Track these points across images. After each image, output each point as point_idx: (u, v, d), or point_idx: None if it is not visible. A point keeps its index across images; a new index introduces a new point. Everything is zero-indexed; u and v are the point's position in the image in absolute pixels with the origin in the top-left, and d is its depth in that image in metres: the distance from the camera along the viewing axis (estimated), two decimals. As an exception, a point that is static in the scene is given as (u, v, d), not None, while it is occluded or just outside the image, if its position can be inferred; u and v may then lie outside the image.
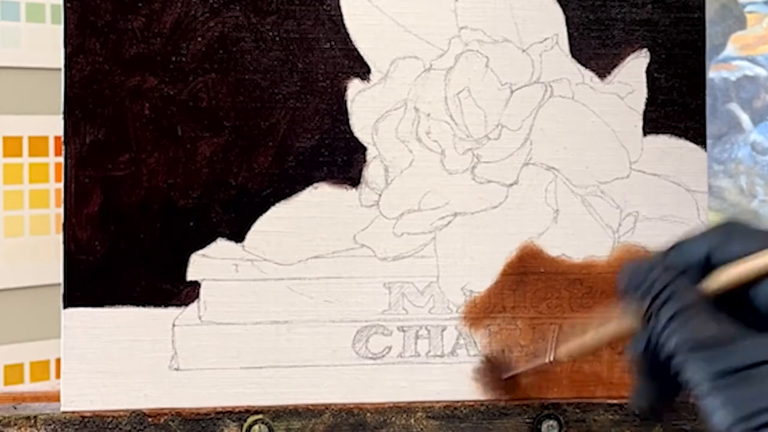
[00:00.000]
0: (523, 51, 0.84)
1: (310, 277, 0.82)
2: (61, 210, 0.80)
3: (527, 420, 0.83)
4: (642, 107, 0.86)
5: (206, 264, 0.81)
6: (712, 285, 0.51)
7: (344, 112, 0.83)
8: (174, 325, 0.81)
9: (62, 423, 0.79)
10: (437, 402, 0.83)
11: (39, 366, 2.19)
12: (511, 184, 0.84)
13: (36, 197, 2.16)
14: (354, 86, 0.83)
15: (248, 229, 0.82)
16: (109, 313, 0.80)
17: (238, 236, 0.82)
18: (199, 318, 0.81)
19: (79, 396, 0.80)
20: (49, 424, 0.79)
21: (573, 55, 0.85)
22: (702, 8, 0.86)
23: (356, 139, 0.83)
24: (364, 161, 0.83)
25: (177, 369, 0.81)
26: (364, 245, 0.83)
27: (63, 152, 0.80)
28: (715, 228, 0.52)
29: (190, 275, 0.81)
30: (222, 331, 0.81)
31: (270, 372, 0.82)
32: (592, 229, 0.85)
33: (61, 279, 0.80)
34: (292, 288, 0.82)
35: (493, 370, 0.82)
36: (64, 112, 0.80)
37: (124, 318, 0.80)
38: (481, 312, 0.84)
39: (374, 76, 0.83)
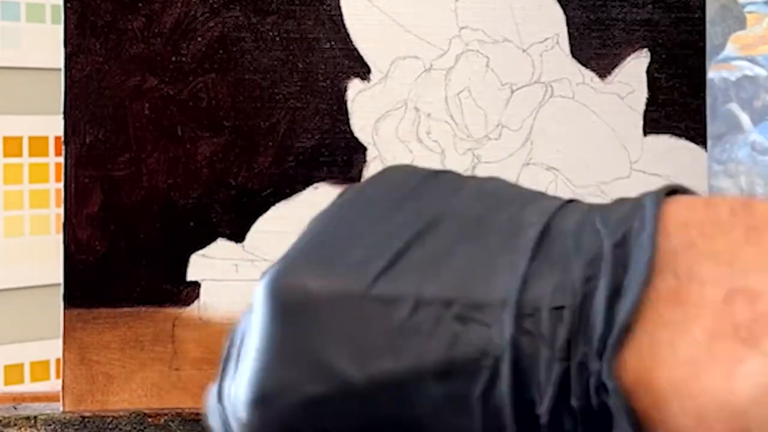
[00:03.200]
0: (524, 51, 0.84)
1: (310, 277, 0.82)
2: (61, 210, 0.80)
3: (527, 420, 0.83)
4: (642, 107, 0.86)
5: (206, 264, 0.81)
6: None
7: (344, 112, 0.83)
8: (174, 325, 0.81)
9: (62, 423, 0.79)
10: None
11: (39, 366, 2.19)
12: (512, 184, 0.84)
13: (36, 197, 2.16)
14: (354, 86, 0.83)
15: (248, 229, 0.82)
16: (109, 313, 0.80)
17: (238, 236, 0.82)
18: (199, 318, 0.81)
19: (79, 396, 0.80)
20: (49, 424, 0.79)
21: (573, 55, 0.85)
22: (702, 8, 0.86)
23: (356, 139, 0.83)
24: (364, 161, 0.83)
25: (177, 369, 0.81)
26: (364, 245, 0.83)
27: (63, 152, 0.80)
28: None
29: (190, 275, 0.81)
30: (222, 331, 0.81)
31: (270, 372, 0.82)
32: (592, 229, 0.85)
33: (61, 279, 0.80)
34: (292, 288, 0.82)
35: None
36: (64, 112, 0.80)
37: (124, 318, 0.80)
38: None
39: (374, 76, 0.83)
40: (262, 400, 0.39)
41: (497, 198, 0.38)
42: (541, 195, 0.38)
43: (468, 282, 0.36)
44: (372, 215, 0.39)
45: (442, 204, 0.38)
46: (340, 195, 0.40)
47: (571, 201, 0.37)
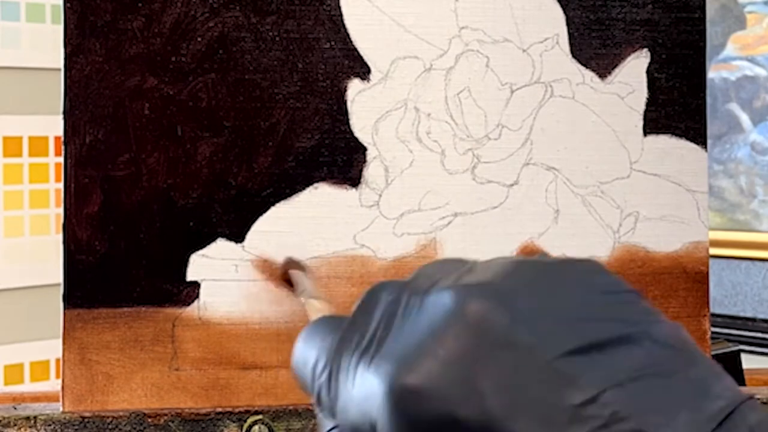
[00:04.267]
0: (524, 51, 0.84)
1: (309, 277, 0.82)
2: (61, 210, 0.80)
3: (527, 420, 0.83)
4: (642, 107, 0.86)
5: (206, 264, 0.81)
6: None
7: (344, 112, 0.83)
8: (174, 325, 0.81)
9: (62, 423, 0.79)
10: (437, 402, 0.83)
11: (39, 366, 2.20)
12: (512, 185, 0.84)
13: (36, 197, 2.16)
14: (354, 86, 0.83)
15: (248, 229, 0.82)
16: (109, 313, 0.80)
17: (238, 236, 0.82)
18: (199, 318, 0.81)
19: (79, 396, 0.80)
20: (49, 425, 0.79)
21: (573, 55, 0.85)
22: (702, 8, 0.86)
23: (356, 139, 0.83)
24: (364, 161, 0.83)
25: (177, 369, 0.81)
26: (364, 245, 0.83)
27: (63, 152, 0.80)
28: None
29: (190, 275, 0.81)
30: (222, 331, 0.81)
31: (270, 372, 0.82)
32: (592, 230, 0.85)
33: (61, 279, 0.80)
34: (292, 288, 0.82)
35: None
36: (64, 112, 0.80)
37: (124, 318, 0.80)
38: (481, 312, 0.84)
39: (374, 76, 0.83)
40: (414, 392, 0.39)
41: (689, 350, 0.39)
42: (724, 374, 0.39)
43: (647, 413, 0.36)
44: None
45: (641, 326, 0.39)
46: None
47: (751, 398, 0.38)
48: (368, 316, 0.43)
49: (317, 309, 0.74)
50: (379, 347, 0.41)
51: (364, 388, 0.41)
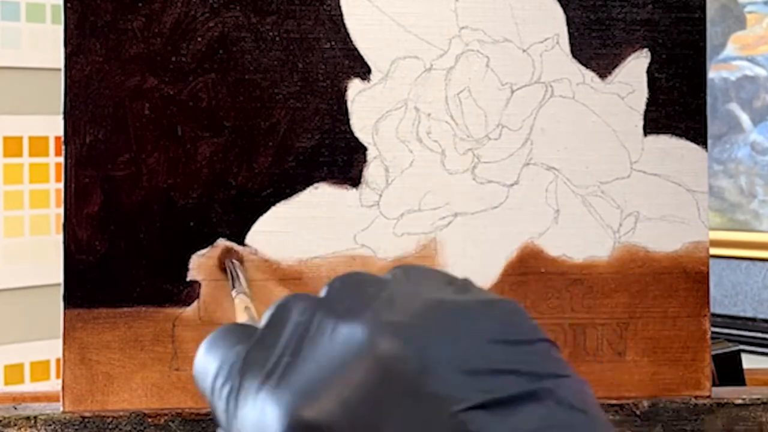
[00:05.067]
0: (524, 51, 0.84)
1: (310, 277, 0.82)
2: (61, 210, 0.80)
3: (527, 420, 0.83)
4: (642, 107, 0.86)
5: (206, 264, 0.81)
6: None
7: (344, 112, 0.83)
8: (174, 325, 0.81)
9: (62, 423, 0.79)
10: (437, 402, 0.83)
11: (39, 366, 2.20)
12: (512, 185, 0.84)
13: (36, 197, 2.16)
14: (354, 86, 0.83)
15: (248, 229, 0.82)
16: (109, 313, 0.80)
17: (238, 236, 0.82)
18: (199, 318, 0.81)
19: (79, 396, 0.80)
20: (49, 424, 0.79)
21: (573, 55, 0.85)
22: (703, 8, 0.86)
23: (356, 139, 0.83)
24: (365, 161, 0.83)
25: (177, 369, 0.81)
26: (364, 245, 0.83)
27: (63, 152, 0.80)
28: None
29: (190, 275, 0.81)
30: (222, 331, 0.81)
31: (270, 372, 0.82)
32: (592, 229, 0.85)
33: (61, 279, 0.80)
34: (292, 288, 0.82)
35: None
36: (64, 112, 0.80)
37: (124, 318, 0.80)
38: (481, 312, 0.84)
39: (374, 76, 0.83)
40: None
41: (591, 413, 0.40)
42: None
43: None
44: None
45: (547, 382, 0.39)
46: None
47: None
48: (276, 335, 0.41)
49: (243, 309, 0.74)
50: (283, 373, 0.40)
51: (264, 414, 0.40)
